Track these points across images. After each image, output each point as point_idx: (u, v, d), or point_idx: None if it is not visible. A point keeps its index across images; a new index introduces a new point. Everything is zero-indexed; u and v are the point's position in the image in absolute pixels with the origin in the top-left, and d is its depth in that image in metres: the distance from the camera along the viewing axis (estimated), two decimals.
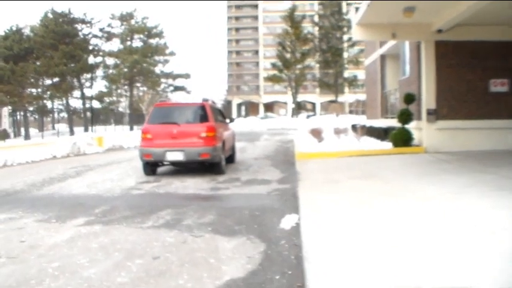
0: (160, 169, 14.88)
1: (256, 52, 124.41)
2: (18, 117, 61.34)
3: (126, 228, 7.57)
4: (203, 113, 13.61)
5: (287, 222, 7.53)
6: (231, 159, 16.60)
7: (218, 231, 7.17)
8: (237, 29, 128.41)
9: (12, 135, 48.53)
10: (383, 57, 24.76)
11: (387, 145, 18.02)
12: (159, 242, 6.65)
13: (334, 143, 20.15)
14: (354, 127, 28.56)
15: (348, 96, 79.84)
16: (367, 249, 5.67)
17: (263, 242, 6.52)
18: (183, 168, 14.87)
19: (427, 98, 16.75)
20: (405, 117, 17.18)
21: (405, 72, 19.93)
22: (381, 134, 21.05)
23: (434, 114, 16.65)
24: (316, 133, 24.92)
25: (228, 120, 17.02)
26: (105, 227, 7.64)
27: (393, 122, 20.77)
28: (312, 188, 10.41)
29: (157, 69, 70.57)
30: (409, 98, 17.24)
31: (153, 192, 11.08)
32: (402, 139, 16.94)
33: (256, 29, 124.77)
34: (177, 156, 13.16)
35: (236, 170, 14.95)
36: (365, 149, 17.19)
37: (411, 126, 17.28)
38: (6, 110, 27.59)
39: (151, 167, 14.00)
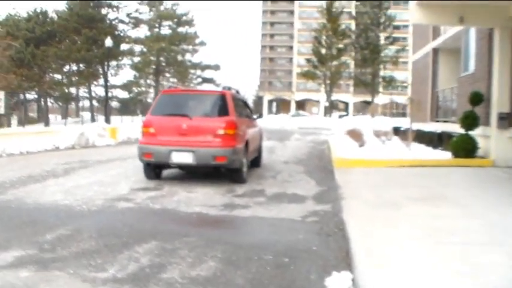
0: (167, 171, 12.05)
1: (291, 48, 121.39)
2: (36, 104, 59.12)
3: (68, 279, 4.70)
4: (222, 104, 10.71)
5: None
6: (256, 162, 13.76)
7: None
8: (272, 23, 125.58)
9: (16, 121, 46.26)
10: (436, 52, 21.60)
11: (443, 154, 14.94)
12: None
13: (378, 148, 17.08)
14: (396, 131, 25.46)
15: (381, 98, 76.40)
16: None
17: None
18: (194, 173, 12.02)
19: (499, 99, 13.59)
20: (470, 121, 14.04)
21: (468, 67, 16.75)
22: (433, 140, 17.94)
23: (508, 119, 13.49)
24: (356, 135, 21.87)
25: (254, 116, 14.12)
26: (35, 276, 4.78)
27: (448, 127, 17.73)
28: (363, 215, 7.40)
29: (186, 59, 67.83)
30: (477, 98, 14.09)
31: (144, 208, 8.19)
32: (465, 148, 13.81)
33: (291, 24, 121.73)
34: (186, 158, 10.28)
35: (261, 177, 12.05)
36: (418, 159, 14.09)
37: (476, 133, 14.14)
38: (2, 93, 25.01)
39: (154, 170, 11.16)
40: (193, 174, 11.98)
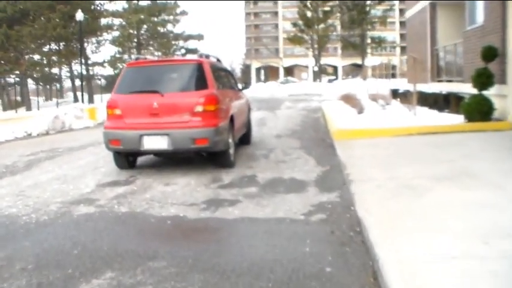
0: (144, 157, 10.42)
1: (276, 13, 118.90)
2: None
3: None
4: (200, 75, 8.96)
5: None
6: (245, 139, 12.20)
7: None
8: None
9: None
10: (433, 6, 19.85)
11: (453, 118, 13.35)
12: None
13: (379, 115, 15.51)
14: (394, 93, 23.88)
15: (371, 59, 74.66)
16: None
17: None
18: (175, 158, 10.40)
19: None
20: (483, 80, 12.40)
21: (475, 19, 15.04)
22: (438, 102, 16.32)
23: None
24: (351, 101, 20.29)
25: (240, 86, 12.44)
26: None
27: (453, 87, 16.17)
28: (382, 207, 5.79)
29: (168, 30, 65.33)
30: (490, 54, 12.42)
31: (107, 213, 6.54)
32: (479, 111, 12.20)
33: None
34: (159, 143, 8.59)
35: (252, 157, 10.45)
36: (427, 125, 12.50)
37: (491, 92, 12.53)
38: None
39: (125, 158, 9.51)
40: (173, 159, 10.35)
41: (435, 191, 6.38)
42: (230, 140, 9.26)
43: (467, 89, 13.51)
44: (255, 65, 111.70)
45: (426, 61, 20.32)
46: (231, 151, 9.31)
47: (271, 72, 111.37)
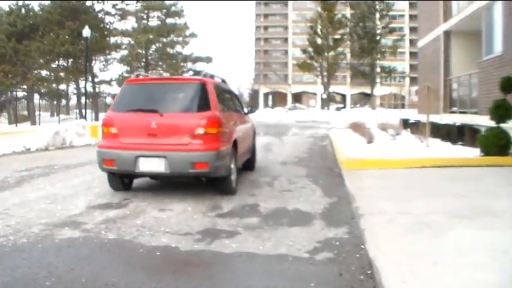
0: (140, 179, 9.83)
1: (286, 40, 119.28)
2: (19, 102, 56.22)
3: None
4: (202, 96, 8.40)
5: None
6: (249, 165, 11.64)
7: None
8: (266, 15, 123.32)
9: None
10: (448, 35, 19.43)
11: (468, 151, 12.78)
12: None
13: (390, 145, 14.94)
14: (404, 123, 23.36)
15: (379, 89, 74.25)
16: None
17: None
18: (174, 182, 9.80)
19: None
20: (502, 112, 11.83)
21: (492, 49, 14.53)
22: (451, 134, 15.76)
23: None
24: (360, 130, 19.74)
25: (245, 110, 11.90)
26: None
27: (467, 119, 15.62)
28: (396, 247, 5.19)
29: (176, 52, 65.02)
30: (510, 84, 11.88)
31: (92, 239, 5.94)
32: (497, 144, 11.61)
33: (285, 15, 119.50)
34: (156, 165, 8.00)
35: (255, 184, 9.88)
36: (440, 157, 11.91)
37: (510, 125, 11.96)
38: None
39: (120, 179, 8.93)
40: (171, 183, 9.76)
41: (453, 230, 5.78)
42: (232, 166, 8.70)
43: (482, 121, 12.98)
44: (263, 90, 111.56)
45: (439, 91, 19.79)
46: (233, 177, 8.73)
47: (279, 98, 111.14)
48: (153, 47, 60.36)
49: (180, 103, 8.53)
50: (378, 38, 61.59)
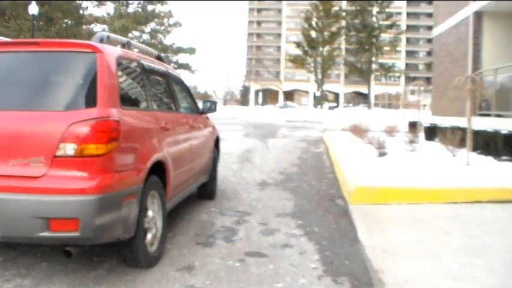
0: None
1: (279, 35, 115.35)
2: None
3: None
4: (85, 79, 4.20)
5: None
6: (205, 191, 7.59)
7: None
8: (259, 10, 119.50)
9: None
10: (478, 17, 15.27)
11: None
12: None
13: (411, 160, 10.84)
14: (412, 127, 19.36)
15: (374, 89, 70.46)
16: None
17: None
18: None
19: None
20: None
21: None
22: (490, 144, 11.71)
23: None
24: (362, 133, 15.61)
25: (201, 107, 7.45)
26: None
27: (509, 124, 11.63)
28: None
29: (156, 42, 60.17)
30: None
31: None
32: None
33: (279, 10, 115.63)
34: None
35: (201, 236, 5.74)
36: (502, 187, 7.72)
37: None
38: None
39: None
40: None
41: None
42: (150, 214, 4.58)
43: None
44: (254, 87, 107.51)
45: (463, 88, 15.70)
46: (149, 237, 4.57)
47: (270, 96, 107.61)
48: (130, 35, 55.62)
49: (33, 92, 4.21)
50: (377, 32, 57.58)
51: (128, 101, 4.56)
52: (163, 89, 5.98)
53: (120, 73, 4.47)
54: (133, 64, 5.00)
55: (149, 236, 4.55)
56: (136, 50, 5.67)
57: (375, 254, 4.88)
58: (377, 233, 5.66)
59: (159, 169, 4.80)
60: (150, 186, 4.52)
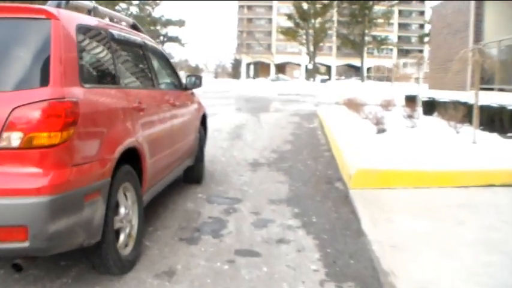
0: None
1: (270, 7, 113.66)
2: None
3: None
4: (36, 52, 3.43)
5: None
6: (192, 174, 6.88)
7: None
8: None
9: None
10: None
11: None
12: None
13: (412, 137, 10.21)
14: (410, 101, 18.66)
15: (366, 61, 69.65)
16: None
17: None
18: None
19: None
20: None
21: None
22: (495, 120, 11.09)
23: None
24: (358, 108, 14.96)
25: (184, 81, 6.70)
26: None
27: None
28: None
29: (144, 14, 58.80)
30: None
31: None
32: None
33: None
34: None
35: (186, 229, 5.07)
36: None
37: None
38: None
39: None
40: None
41: None
42: (123, 212, 3.93)
43: None
44: (245, 60, 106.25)
45: (462, 61, 15.02)
46: (122, 238, 3.90)
47: (261, 69, 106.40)
48: (117, 7, 54.28)
49: None
50: (370, 3, 56.59)
51: (91, 77, 3.84)
52: (138, 62, 5.24)
53: (82, 44, 3.73)
54: (100, 34, 4.23)
55: (122, 237, 3.87)
56: (107, 17, 4.91)
57: (383, 251, 4.25)
58: (383, 224, 5.03)
59: (132, 157, 4.11)
60: (120, 178, 3.82)
